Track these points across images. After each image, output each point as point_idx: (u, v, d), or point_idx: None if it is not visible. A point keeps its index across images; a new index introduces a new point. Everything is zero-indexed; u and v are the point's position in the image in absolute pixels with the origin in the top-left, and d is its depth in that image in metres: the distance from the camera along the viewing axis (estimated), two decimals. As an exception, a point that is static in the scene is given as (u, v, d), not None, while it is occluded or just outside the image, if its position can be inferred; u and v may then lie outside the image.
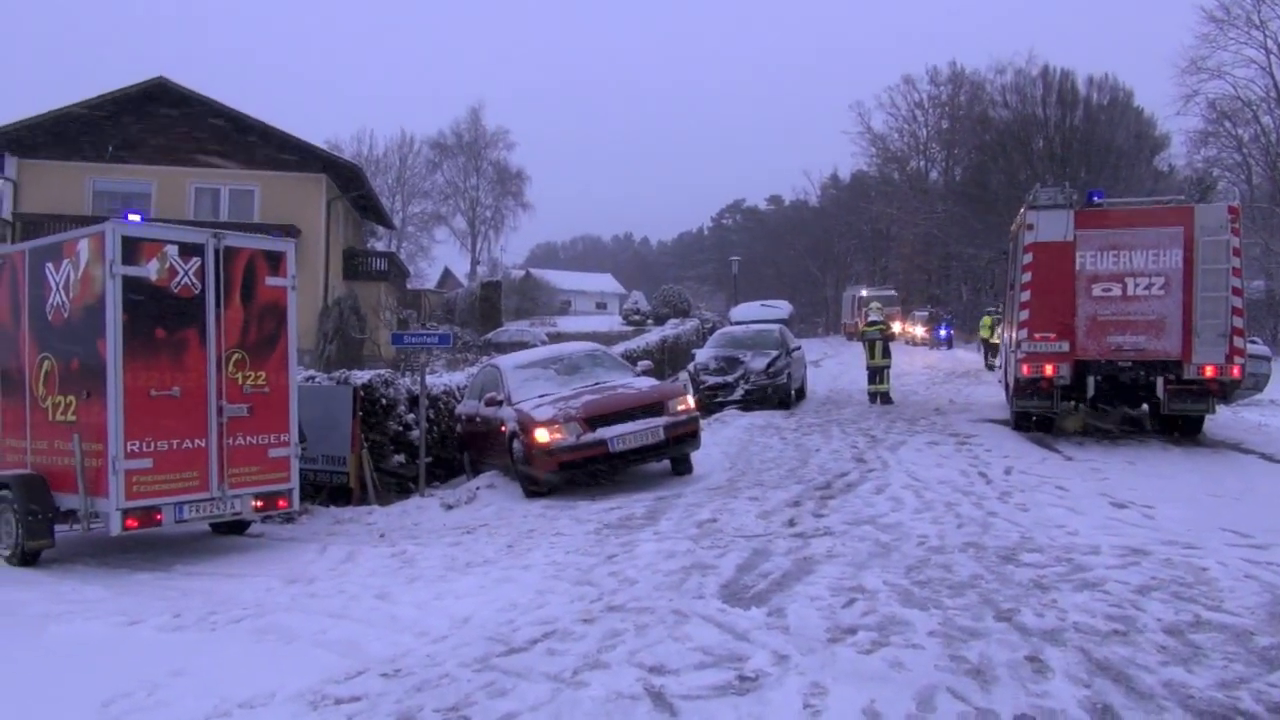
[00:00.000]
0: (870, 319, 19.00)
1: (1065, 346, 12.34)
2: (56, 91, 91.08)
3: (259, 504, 8.89)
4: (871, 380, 18.56)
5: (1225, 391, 12.14)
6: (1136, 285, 12.14)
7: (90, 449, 8.12)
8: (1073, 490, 9.14)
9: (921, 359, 31.75)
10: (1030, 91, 48.27)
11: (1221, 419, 13.80)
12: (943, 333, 37.92)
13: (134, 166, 28.32)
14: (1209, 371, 11.81)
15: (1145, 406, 13.39)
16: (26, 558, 8.45)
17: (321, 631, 5.82)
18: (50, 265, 8.64)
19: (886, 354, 18.48)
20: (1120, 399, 12.82)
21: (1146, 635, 4.82)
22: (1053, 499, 8.73)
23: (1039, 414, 13.15)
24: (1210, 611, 5.17)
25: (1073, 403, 13.24)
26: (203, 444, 8.43)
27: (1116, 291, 12.20)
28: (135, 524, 8.04)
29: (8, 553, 8.59)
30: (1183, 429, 12.85)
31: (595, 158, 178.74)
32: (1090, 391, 12.52)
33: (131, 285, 8.08)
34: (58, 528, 8.62)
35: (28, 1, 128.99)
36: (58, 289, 8.56)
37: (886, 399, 18.24)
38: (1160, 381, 12.12)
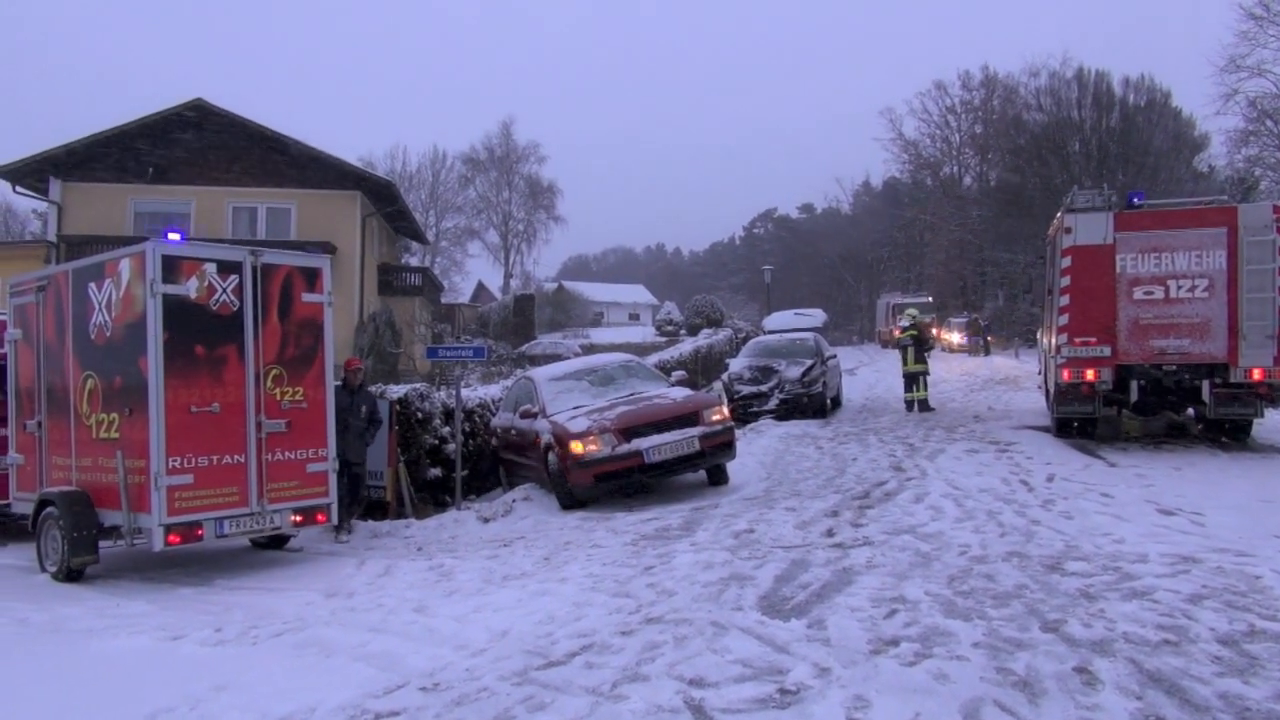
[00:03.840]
0: (903, 325, 18.86)
1: (1107, 351, 12.16)
2: (97, 114, 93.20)
3: (298, 519, 8.97)
4: (908, 388, 18.35)
5: (1274, 395, 11.89)
6: (1179, 288, 11.94)
7: (133, 465, 8.24)
8: (1118, 497, 8.99)
9: (959, 365, 31.44)
10: (1065, 94, 47.72)
11: (1271, 423, 13.51)
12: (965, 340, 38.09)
13: (173, 187, 28.83)
14: (1257, 374, 11.58)
15: (1191, 411, 13.14)
16: (72, 574, 8.59)
17: (361, 645, 5.84)
18: (93, 285, 8.79)
19: (920, 360, 18.23)
20: (1164, 404, 12.60)
21: (1199, 646, 4.71)
22: (1098, 506, 8.59)
23: (1081, 420, 12.95)
24: (1266, 621, 5.04)
25: (1115, 408, 13.04)
26: (242, 459, 8.52)
27: (1159, 294, 12.00)
28: (177, 539, 8.14)
29: (54, 569, 8.73)
30: (1230, 434, 12.60)
31: (626, 169, 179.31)
32: (1133, 396, 12.32)
33: (172, 303, 8.20)
34: (102, 544, 8.74)
35: (64, 25, 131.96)
36: (100, 308, 8.70)
37: (925, 406, 18.00)
38: (1206, 385, 11.90)
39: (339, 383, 10.36)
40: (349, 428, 10.37)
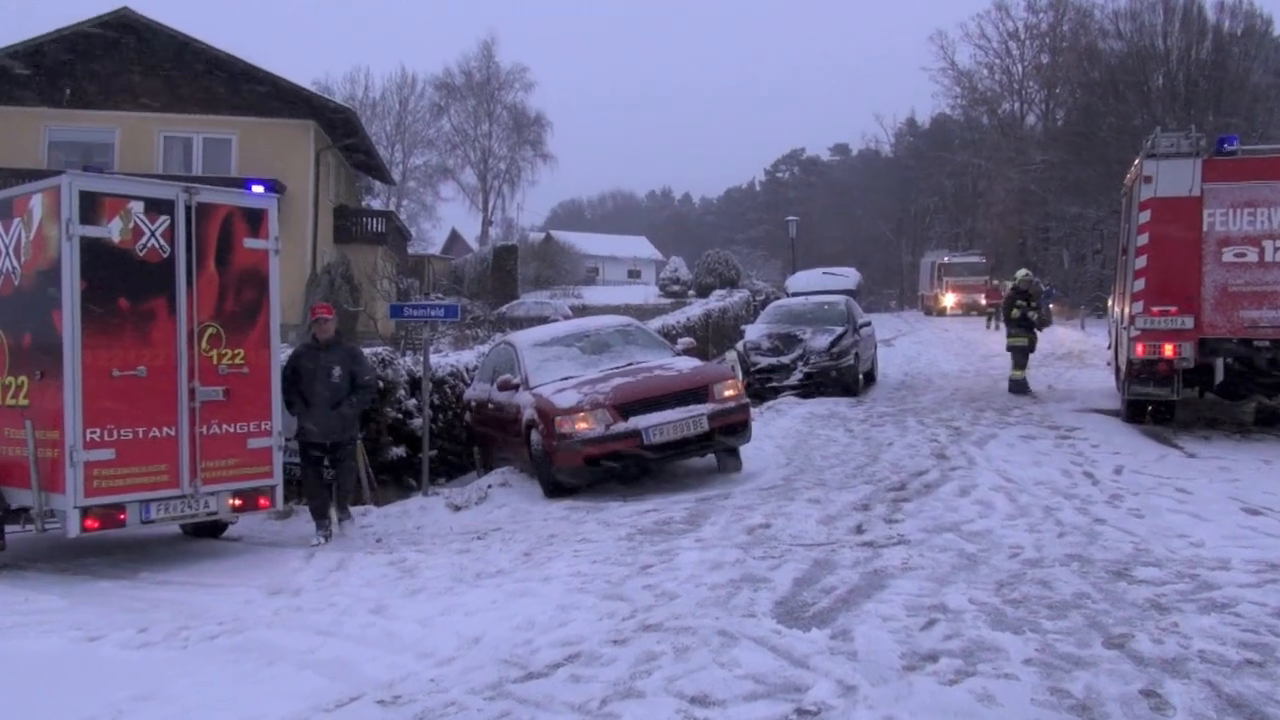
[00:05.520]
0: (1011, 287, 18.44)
1: (1188, 322, 12.14)
2: (4, 26, 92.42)
3: (237, 502, 8.98)
4: (1016, 364, 17.63)
5: None
6: (1277, 249, 11.90)
7: (44, 437, 8.24)
8: (1197, 493, 9.01)
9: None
10: (1148, 19, 47.29)
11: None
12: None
13: (94, 112, 28.70)
14: None
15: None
16: (-27, 562, 8.61)
17: (309, 651, 5.87)
18: (-2, 225, 8.76)
19: (1023, 329, 17.51)
20: (1255, 386, 12.59)
21: (1288, 667, 4.73)
22: (1173, 504, 8.60)
23: (1156, 403, 12.96)
24: (1366, 639, 5.06)
25: (1196, 390, 13.04)
26: (172, 432, 8.52)
27: (1252, 257, 11.97)
28: (96, 524, 8.15)
29: (-49, 556, 8.75)
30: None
31: (629, 102, 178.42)
32: (1218, 376, 12.32)
33: (91, 248, 8.15)
34: (8, 529, 8.75)
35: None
36: (7, 253, 8.67)
37: (1015, 387, 17.40)
38: (1306, 365, 11.89)
39: (310, 341, 9.94)
40: (316, 396, 9.64)
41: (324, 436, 9.73)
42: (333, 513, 9.92)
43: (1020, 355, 17.56)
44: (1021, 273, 18.97)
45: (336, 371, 9.77)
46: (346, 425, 9.91)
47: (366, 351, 12.66)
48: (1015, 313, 17.62)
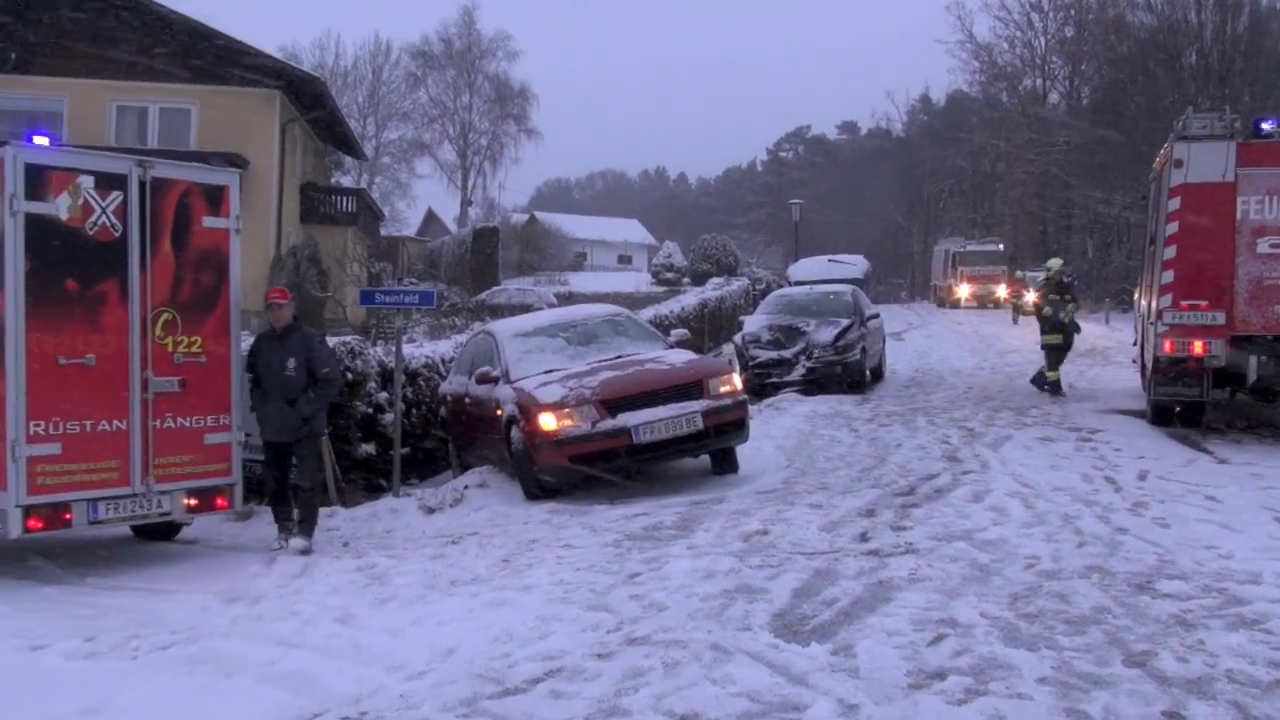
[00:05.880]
0: (1041, 280, 18.00)
1: (1220, 318, 12.17)
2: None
3: (193, 502, 8.96)
4: (1050, 364, 17.30)
5: None
6: (1316, 241, 11.94)
7: (-16, 430, 8.20)
8: (1227, 502, 9.03)
9: (1035, 332, 31.44)
10: (1181, -10, 47.44)
11: None
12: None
13: (40, 78, 28.48)
14: None
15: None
16: (-95, 564, 8.58)
17: (269, 663, 5.86)
18: (-65, 199, 8.71)
19: (1054, 327, 17.16)
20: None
21: (1321, 688, 4.75)
22: (1201, 513, 8.63)
23: (1184, 403, 12.99)
24: (1405, 659, 5.09)
25: (1228, 390, 13.07)
26: (123, 426, 8.49)
27: (1290, 248, 11.99)
28: (39, 525, 8.13)
29: (-117, 558, 8.72)
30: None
31: (619, 73, 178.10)
32: (1251, 376, 12.34)
33: (37, 225, 8.11)
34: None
35: None
36: (-56, 229, 8.62)
37: (1043, 383, 17.19)
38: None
39: (267, 329, 9.65)
40: (269, 390, 9.31)
41: (275, 435, 9.36)
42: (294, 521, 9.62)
43: (1054, 354, 17.22)
44: (1056, 263, 18.51)
45: (291, 363, 9.29)
46: (301, 424, 9.33)
47: (334, 341, 12.65)
48: (1047, 309, 17.29)
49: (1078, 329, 17.63)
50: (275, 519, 9.65)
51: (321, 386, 9.49)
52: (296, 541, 9.21)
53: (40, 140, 8.43)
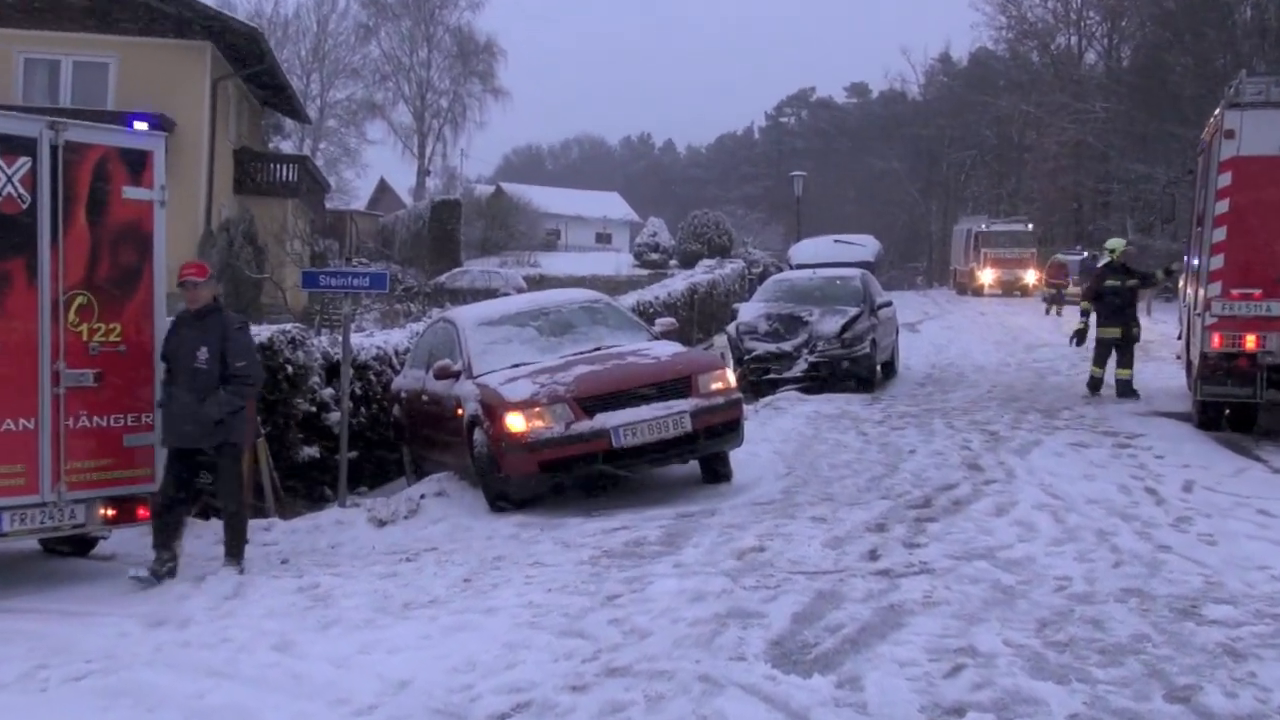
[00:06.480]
0: (1103, 262, 17.56)
1: (1276, 309, 12.23)
2: None
3: (110, 512, 8.92)
4: (1099, 358, 17.00)
5: None
6: (1385, 222, 12.02)
7: None
8: (1282, 516, 9.10)
9: (1069, 324, 31.57)
10: (1234, -62, 47.64)
11: None
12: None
13: (-63, 27, 28.31)
14: None
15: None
16: None
17: (198, 696, 5.84)
18: None
19: (1118, 318, 16.63)
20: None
21: (1385, 727, 4.79)
22: (1252, 529, 8.67)
23: (1235, 405, 13.05)
24: None
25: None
26: (31, 425, 8.45)
27: (1356, 230, 12.07)
28: (-66, 537, 8.09)
29: None
30: None
31: (599, 27, 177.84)
32: (1312, 375, 12.42)
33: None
34: None
35: None
36: None
37: (1125, 389, 16.49)
38: None
39: (183, 311, 9.12)
40: (178, 384, 8.79)
41: (179, 439, 8.83)
42: (180, 544, 9.04)
43: (1118, 351, 16.72)
44: (1118, 243, 17.91)
45: (203, 353, 8.73)
46: (213, 428, 8.76)
47: (272, 330, 12.60)
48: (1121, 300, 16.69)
49: (1138, 324, 17.17)
50: (154, 541, 8.94)
51: (234, 384, 8.84)
52: (225, 571, 8.73)
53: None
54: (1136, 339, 17.04)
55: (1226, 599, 6.73)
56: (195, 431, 8.76)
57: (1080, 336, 17.55)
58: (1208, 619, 6.32)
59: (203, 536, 10.51)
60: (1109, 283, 16.88)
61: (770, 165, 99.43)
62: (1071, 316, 24.51)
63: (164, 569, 8.77)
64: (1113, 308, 16.76)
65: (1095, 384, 16.95)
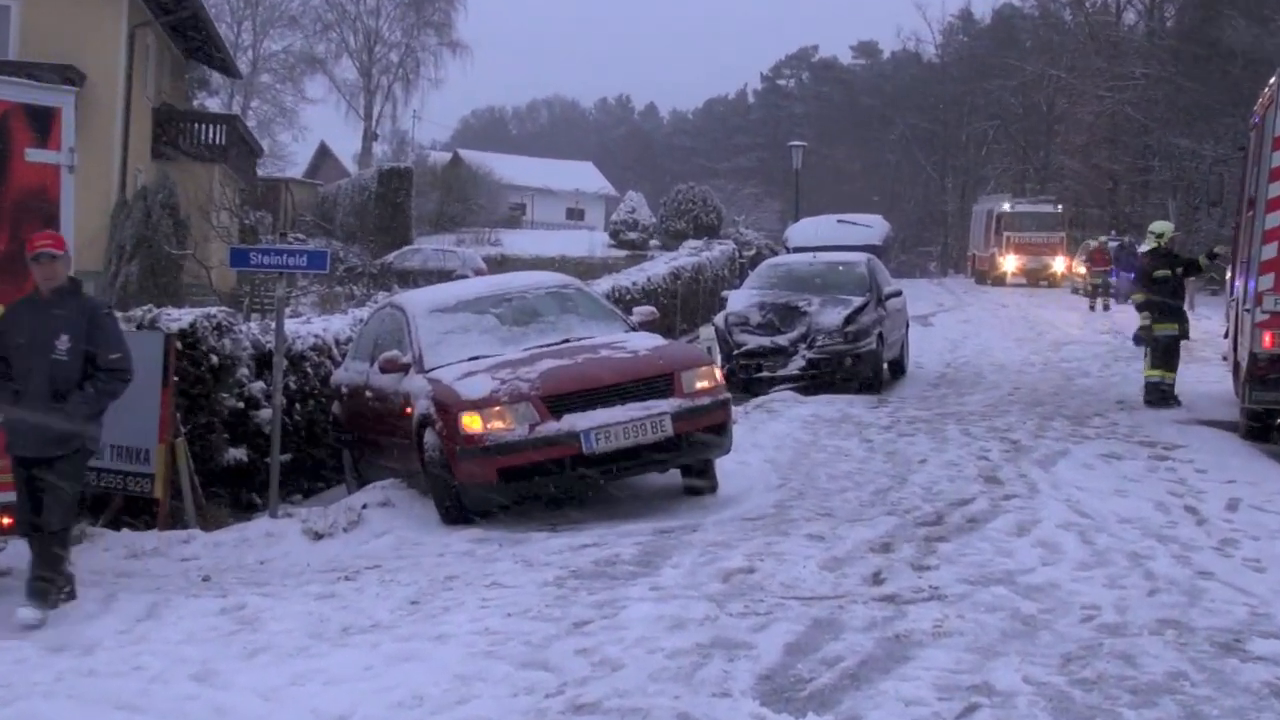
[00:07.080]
0: (1144, 249, 17.30)
1: (1335, 305, 12.30)
2: None
3: (4, 521, 8.87)
4: (1167, 363, 16.42)
5: None
6: None
7: None
8: (1338, 540, 9.15)
9: (1100, 319, 31.73)
10: (1293, -116, 47.88)
11: None
12: (1113, 279, 34.81)
13: None
14: None
15: None
16: None
17: (104, 731, 5.82)
18: None
19: (1175, 312, 16.49)
20: None
21: None
22: (1304, 553, 8.73)
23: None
24: None
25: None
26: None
27: None
28: None
29: None
30: None
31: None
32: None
33: None
34: None
35: None
36: None
37: (1159, 395, 16.25)
38: None
39: (32, 292, 8.46)
40: (30, 379, 8.20)
41: (27, 447, 8.30)
42: (68, 564, 8.56)
43: (1164, 351, 16.33)
44: (1165, 226, 17.69)
45: (64, 341, 8.17)
46: (72, 432, 8.26)
47: (193, 313, 12.54)
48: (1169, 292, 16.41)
49: (1187, 320, 17.02)
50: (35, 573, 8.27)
51: (105, 379, 8.37)
52: (24, 613, 7.97)
53: None
54: (1186, 335, 16.91)
55: (1274, 633, 6.75)
56: (50, 437, 8.21)
57: (1147, 335, 16.78)
58: (1253, 655, 6.34)
59: (111, 549, 10.50)
60: (1159, 272, 16.61)
61: (766, 134, 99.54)
62: (1121, 313, 24.33)
63: (60, 596, 8.36)
64: (1166, 300, 16.50)
65: (1166, 394, 16.26)
